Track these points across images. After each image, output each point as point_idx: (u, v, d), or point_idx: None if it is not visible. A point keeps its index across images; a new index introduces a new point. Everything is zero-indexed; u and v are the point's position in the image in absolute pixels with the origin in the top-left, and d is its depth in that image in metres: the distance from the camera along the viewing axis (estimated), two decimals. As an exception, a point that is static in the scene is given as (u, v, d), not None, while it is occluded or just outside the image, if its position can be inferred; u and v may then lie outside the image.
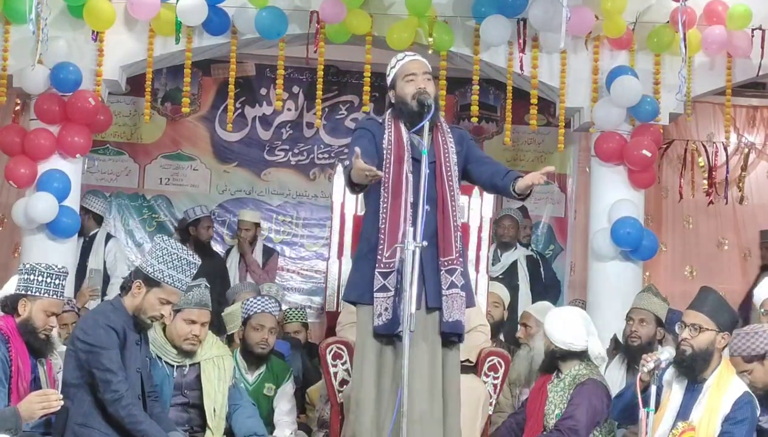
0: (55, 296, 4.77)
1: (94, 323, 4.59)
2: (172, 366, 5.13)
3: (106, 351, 4.51)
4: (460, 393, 4.62)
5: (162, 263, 4.63)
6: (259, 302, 5.93)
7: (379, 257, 4.45)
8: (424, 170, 4.33)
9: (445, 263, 4.51)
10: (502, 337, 6.89)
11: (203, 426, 5.14)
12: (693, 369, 4.64)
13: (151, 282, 4.63)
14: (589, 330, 5.38)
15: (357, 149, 4.29)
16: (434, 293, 4.48)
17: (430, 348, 4.47)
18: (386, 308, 4.42)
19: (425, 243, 4.24)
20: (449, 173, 4.56)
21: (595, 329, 5.50)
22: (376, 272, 4.44)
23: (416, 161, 4.49)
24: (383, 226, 4.45)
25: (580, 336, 5.31)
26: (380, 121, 4.68)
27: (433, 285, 4.48)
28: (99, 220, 8.31)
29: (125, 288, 4.72)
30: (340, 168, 5.85)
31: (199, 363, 5.16)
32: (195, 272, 4.76)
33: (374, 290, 4.44)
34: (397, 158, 4.51)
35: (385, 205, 4.47)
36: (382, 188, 4.49)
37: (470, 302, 4.68)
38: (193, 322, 5.08)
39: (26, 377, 4.70)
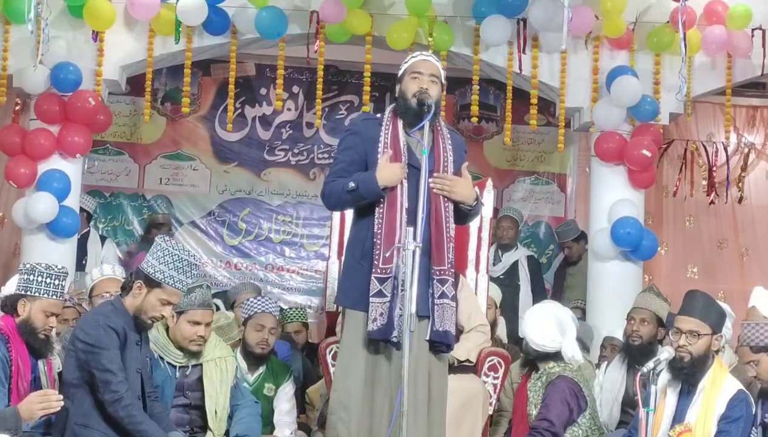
0: (54, 297, 4.76)
1: (94, 324, 4.59)
2: (175, 366, 5.13)
3: (106, 351, 4.50)
4: (445, 400, 4.61)
5: (163, 263, 4.62)
6: (259, 303, 5.92)
7: (375, 262, 4.41)
8: (425, 172, 4.32)
9: (438, 273, 4.48)
10: (503, 337, 6.85)
11: (204, 427, 5.13)
12: (693, 375, 4.65)
13: (151, 283, 4.62)
14: (564, 330, 5.36)
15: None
16: (423, 302, 4.43)
17: (417, 356, 4.45)
18: (381, 313, 4.39)
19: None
20: None
21: (574, 329, 5.48)
22: (372, 278, 4.41)
23: (411, 167, 4.47)
24: (379, 231, 4.43)
25: (553, 337, 5.32)
26: (377, 117, 4.65)
27: (423, 293, 4.44)
28: (88, 218, 8.27)
29: (126, 288, 4.72)
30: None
31: (201, 364, 5.16)
32: (196, 273, 4.75)
33: (370, 294, 4.41)
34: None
35: (380, 210, 4.45)
36: None
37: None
38: (197, 323, 5.08)
39: (26, 377, 4.69)
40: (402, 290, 4.29)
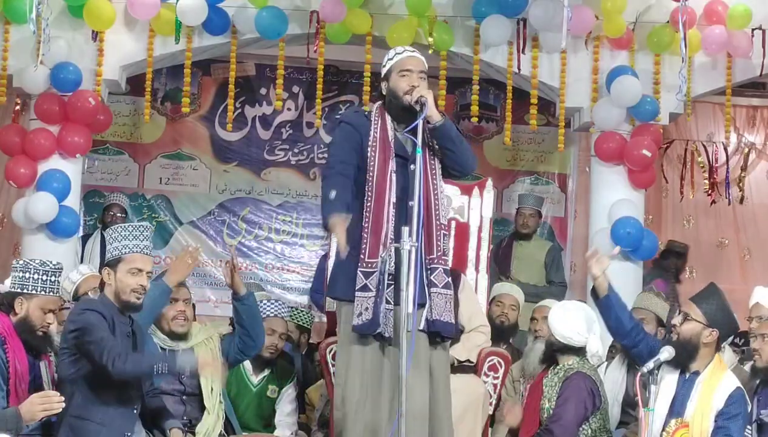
0: (51, 293, 4.75)
1: (80, 311, 4.56)
2: (164, 349, 5.09)
3: (94, 327, 4.44)
4: (449, 391, 4.58)
5: (115, 241, 4.64)
6: (272, 307, 5.91)
7: (361, 256, 4.42)
8: (419, 172, 4.30)
9: (430, 261, 4.47)
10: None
11: (199, 417, 5.10)
12: (678, 355, 4.61)
13: (112, 263, 4.62)
14: (591, 327, 5.35)
15: (338, 217, 4.29)
16: (419, 290, 4.34)
17: (416, 347, 4.40)
18: (366, 308, 4.40)
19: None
20: (434, 172, 4.54)
21: (599, 328, 5.49)
22: (358, 272, 4.42)
23: (401, 158, 4.47)
24: (366, 225, 4.44)
25: (580, 332, 5.29)
26: (366, 114, 4.63)
27: (419, 283, 4.35)
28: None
29: (102, 285, 4.70)
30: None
31: (192, 348, 5.13)
32: (151, 233, 4.69)
33: (356, 288, 4.42)
34: (381, 157, 4.49)
35: (368, 204, 4.46)
36: (366, 186, 4.48)
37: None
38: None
39: (24, 378, 4.67)
40: (389, 284, 4.32)
